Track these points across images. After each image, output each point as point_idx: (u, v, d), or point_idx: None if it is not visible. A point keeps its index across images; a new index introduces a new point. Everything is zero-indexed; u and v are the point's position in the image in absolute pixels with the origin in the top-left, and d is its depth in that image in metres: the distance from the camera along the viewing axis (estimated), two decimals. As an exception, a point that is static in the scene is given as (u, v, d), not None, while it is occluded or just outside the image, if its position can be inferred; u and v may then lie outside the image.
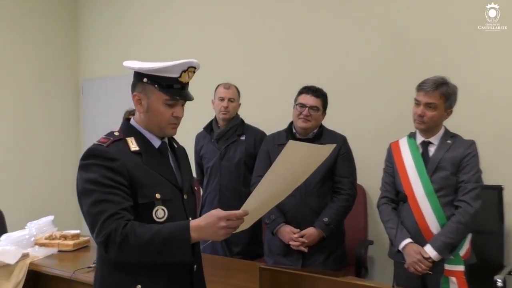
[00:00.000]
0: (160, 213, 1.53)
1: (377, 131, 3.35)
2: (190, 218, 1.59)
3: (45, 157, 4.87)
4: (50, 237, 3.04)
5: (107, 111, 4.83)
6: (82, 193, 1.49)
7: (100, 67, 5.00)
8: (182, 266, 1.57)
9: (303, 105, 2.64)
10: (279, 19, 3.82)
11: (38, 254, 2.83)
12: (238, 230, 1.48)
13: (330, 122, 2.80)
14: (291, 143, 1.40)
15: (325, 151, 1.63)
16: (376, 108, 3.39)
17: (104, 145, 1.52)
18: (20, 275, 2.65)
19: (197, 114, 3.30)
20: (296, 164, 1.49)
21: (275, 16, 3.84)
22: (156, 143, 1.64)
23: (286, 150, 1.39)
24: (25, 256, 2.73)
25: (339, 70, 3.53)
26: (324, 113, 2.72)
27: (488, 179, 2.45)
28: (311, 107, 2.63)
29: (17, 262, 2.66)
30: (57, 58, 5.03)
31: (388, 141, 2.58)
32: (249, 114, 3.32)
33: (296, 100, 2.71)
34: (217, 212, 1.42)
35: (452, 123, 2.40)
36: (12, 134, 4.62)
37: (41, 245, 2.97)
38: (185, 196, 1.64)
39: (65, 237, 3.04)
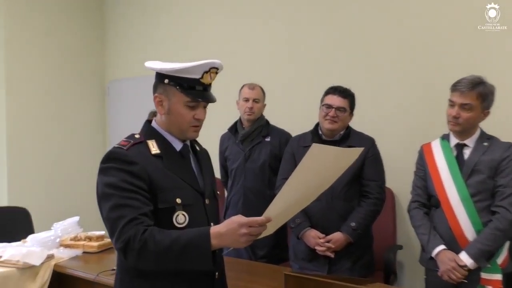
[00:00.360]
0: (180, 218, 1.48)
1: (408, 132, 3.25)
2: (212, 224, 1.54)
3: (71, 158, 4.90)
4: (75, 238, 3.04)
5: (132, 112, 4.84)
6: (102, 198, 1.46)
7: (126, 68, 5.02)
8: (203, 273, 1.52)
9: (329, 106, 2.56)
10: (305, 18, 3.74)
11: (63, 255, 2.83)
12: (260, 237, 1.41)
13: (358, 123, 2.72)
14: (314, 146, 1.33)
15: (352, 154, 1.54)
16: (406, 109, 3.28)
17: (124, 148, 1.49)
18: (45, 276, 2.65)
19: (221, 115, 3.27)
20: (320, 168, 1.41)
21: (301, 15, 3.77)
22: (178, 146, 1.59)
23: (309, 154, 1.32)
24: (50, 257, 2.73)
25: (367, 69, 3.43)
26: (351, 114, 2.64)
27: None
28: (337, 108, 2.55)
29: (42, 263, 2.66)
30: (83, 59, 5.06)
31: (419, 143, 2.49)
32: (275, 115, 3.27)
33: (322, 100, 2.64)
34: (239, 219, 1.35)
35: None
36: (39, 135, 4.67)
37: (66, 246, 2.97)
38: (206, 201, 1.59)
39: (90, 238, 3.03)
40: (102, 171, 1.48)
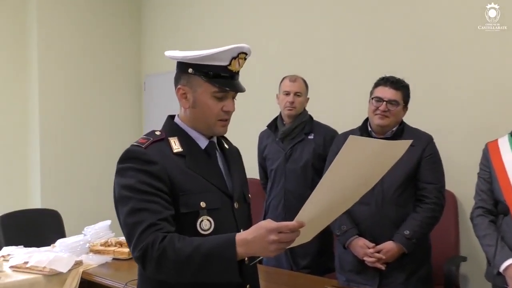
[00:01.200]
0: (205, 224, 1.44)
1: (470, 128, 3.12)
2: (241, 230, 1.48)
3: (106, 159, 4.94)
4: (105, 244, 3.07)
5: (169, 107, 4.87)
6: (118, 201, 1.44)
7: (163, 63, 5.04)
8: (232, 285, 1.45)
9: (379, 99, 2.48)
10: (352, 1, 3.67)
11: (92, 261, 2.86)
12: (295, 244, 1.34)
13: (412, 118, 2.62)
14: (351, 138, 1.24)
15: (398, 148, 1.44)
16: (468, 101, 3.16)
17: (142, 146, 1.46)
18: (72, 284, 2.68)
19: (260, 110, 3.23)
20: (360, 164, 1.32)
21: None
22: (203, 143, 1.55)
23: (345, 148, 1.24)
24: (78, 264, 2.77)
25: (422, 58, 3.32)
26: (405, 108, 2.55)
27: None
28: (389, 101, 2.46)
29: (70, 270, 2.69)
30: (120, 54, 5.20)
31: (484, 140, 2.39)
32: (319, 110, 3.22)
33: (372, 93, 2.56)
34: (267, 224, 1.29)
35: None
36: (72, 135, 4.81)
37: (96, 252, 3.00)
38: (235, 205, 1.54)
39: (121, 244, 3.06)
40: (119, 172, 1.45)
